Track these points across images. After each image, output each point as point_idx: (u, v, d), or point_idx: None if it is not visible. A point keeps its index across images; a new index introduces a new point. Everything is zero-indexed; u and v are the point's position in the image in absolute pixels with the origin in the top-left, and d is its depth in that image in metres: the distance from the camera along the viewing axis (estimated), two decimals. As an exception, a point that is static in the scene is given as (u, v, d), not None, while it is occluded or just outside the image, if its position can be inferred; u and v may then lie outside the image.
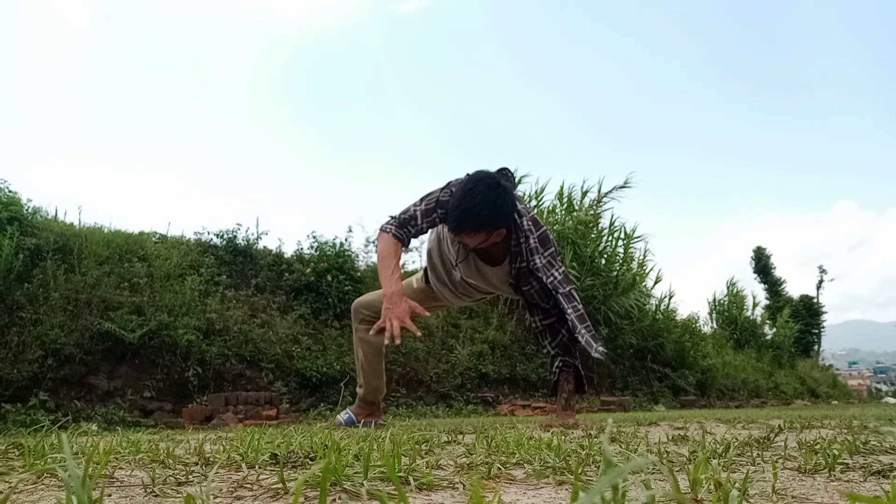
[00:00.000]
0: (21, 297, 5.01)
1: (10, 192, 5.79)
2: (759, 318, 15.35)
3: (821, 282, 25.47)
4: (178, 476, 0.90)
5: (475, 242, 2.38)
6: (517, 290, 2.57)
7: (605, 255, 9.45)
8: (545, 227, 2.54)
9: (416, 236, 2.56)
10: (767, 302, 20.36)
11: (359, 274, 7.52)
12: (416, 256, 8.46)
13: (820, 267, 25.73)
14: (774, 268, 22.37)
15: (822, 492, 0.83)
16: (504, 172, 2.47)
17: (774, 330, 15.79)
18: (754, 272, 22.47)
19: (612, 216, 9.72)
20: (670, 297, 10.72)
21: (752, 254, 22.81)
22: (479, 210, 2.25)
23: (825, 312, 22.76)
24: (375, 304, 2.77)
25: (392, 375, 6.44)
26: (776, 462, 1.07)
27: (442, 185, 2.51)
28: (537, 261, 2.45)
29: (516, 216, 2.43)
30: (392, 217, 2.57)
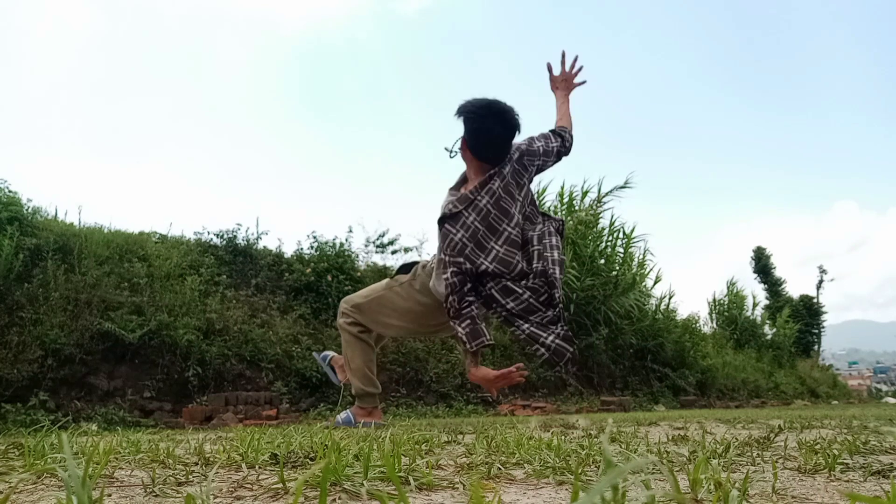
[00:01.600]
0: (21, 297, 5.01)
1: (10, 192, 5.79)
2: (759, 318, 15.34)
3: (821, 282, 25.48)
4: (178, 476, 0.90)
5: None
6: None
7: (605, 255, 9.46)
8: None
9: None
10: (767, 302, 20.36)
11: (359, 274, 7.52)
12: (415, 256, 8.46)
13: (820, 267, 25.75)
14: (774, 268, 22.37)
15: (822, 492, 0.83)
16: (558, 224, 2.61)
17: (774, 330, 15.79)
18: (754, 272, 22.47)
19: (612, 216, 9.74)
20: (670, 297, 10.73)
21: (752, 254, 22.82)
22: (473, 101, 2.53)
23: (825, 312, 22.76)
24: (356, 299, 2.81)
25: (392, 375, 6.44)
26: (776, 462, 1.07)
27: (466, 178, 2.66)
28: (555, 255, 2.50)
29: (506, 169, 2.54)
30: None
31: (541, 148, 2.66)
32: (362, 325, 2.78)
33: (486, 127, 2.48)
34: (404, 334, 3.18)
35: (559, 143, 2.73)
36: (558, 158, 2.75)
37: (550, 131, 2.76)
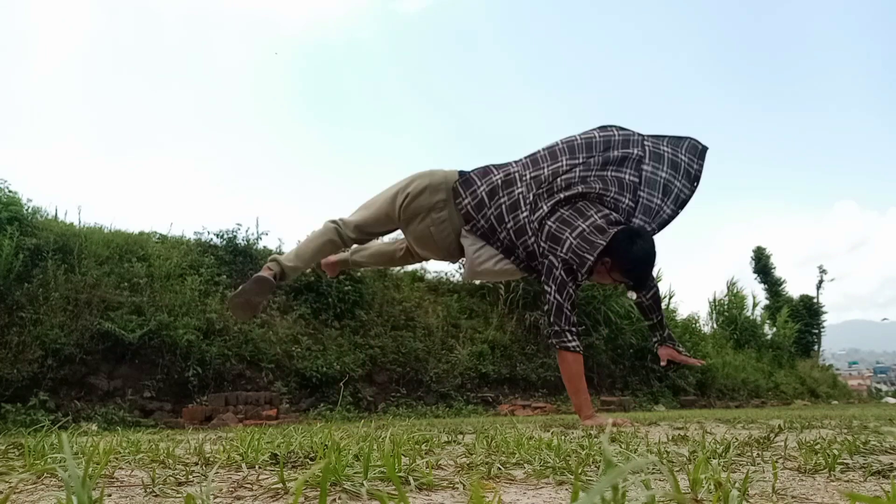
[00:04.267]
0: (21, 297, 5.01)
1: (10, 192, 5.79)
2: (759, 318, 15.33)
3: (821, 282, 25.46)
4: (178, 476, 0.90)
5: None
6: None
7: (605, 255, 9.47)
8: None
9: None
10: (767, 302, 20.33)
11: (359, 274, 7.52)
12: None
13: (820, 267, 25.72)
14: (774, 268, 22.34)
15: (822, 492, 0.82)
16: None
17: (774, 330, 15.77)
18: (754, 272, 22.44)
19: (612, 216, 9.71)
20: (670, 297, 10.73)
21: (752, 254, 22.79)
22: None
23: (825, 312, 22.72)
24: (365, 225, 2.72)
25: (392, 375, 6.44)
26: (776, 462, 1.06)
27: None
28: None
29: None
30: (568, 320, 2.50)
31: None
32: (346, 239, 2.74)
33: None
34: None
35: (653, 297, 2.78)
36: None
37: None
